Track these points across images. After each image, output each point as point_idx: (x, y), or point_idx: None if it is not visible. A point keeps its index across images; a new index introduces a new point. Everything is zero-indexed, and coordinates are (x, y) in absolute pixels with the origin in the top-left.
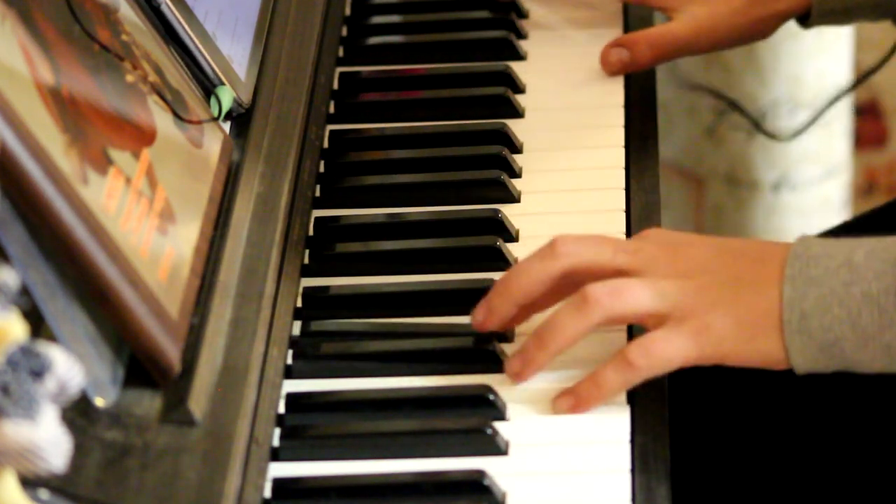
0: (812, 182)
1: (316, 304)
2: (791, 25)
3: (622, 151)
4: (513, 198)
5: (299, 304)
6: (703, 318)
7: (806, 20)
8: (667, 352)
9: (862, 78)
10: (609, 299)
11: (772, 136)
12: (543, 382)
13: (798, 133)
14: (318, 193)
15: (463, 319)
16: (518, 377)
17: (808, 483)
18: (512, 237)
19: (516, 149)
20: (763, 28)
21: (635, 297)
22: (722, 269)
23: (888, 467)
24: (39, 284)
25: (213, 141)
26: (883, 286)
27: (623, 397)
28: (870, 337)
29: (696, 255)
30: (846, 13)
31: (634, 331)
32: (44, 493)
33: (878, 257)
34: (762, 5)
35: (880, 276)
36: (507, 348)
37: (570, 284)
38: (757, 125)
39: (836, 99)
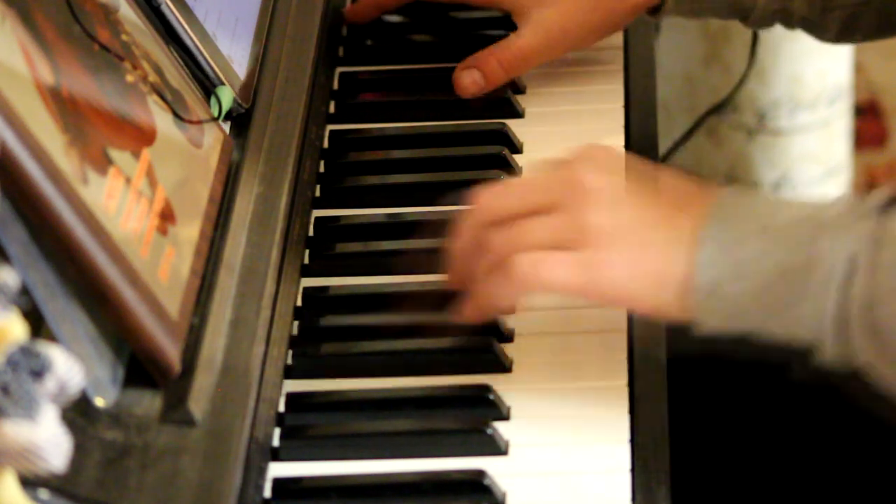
0: (812, 182)
1: (316, 304)
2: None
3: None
4: None
5: (299, 304)
6: (600, 256)
7: (657, 11)
8: (551, 275)
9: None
10: (505, 245)
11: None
12: (545, 383)
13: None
14: (318, 193)
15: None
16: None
17: (807, 483)
18: None
19: (516, 149)
20: (615, 23)
21: (532, 234)
22: (635, 209)
23: (887, 473)
24: (39, 284)
25: (213, 141)
26: (799, 264)
27: (624, 399)
28: (780, 309)
29: (609, 198)
30: (697, 8)
31: (635, 329)
32: (44, 493)
33: (797, 232)
34: (611, 1)
35: (797, 250)
36: (508, 348)
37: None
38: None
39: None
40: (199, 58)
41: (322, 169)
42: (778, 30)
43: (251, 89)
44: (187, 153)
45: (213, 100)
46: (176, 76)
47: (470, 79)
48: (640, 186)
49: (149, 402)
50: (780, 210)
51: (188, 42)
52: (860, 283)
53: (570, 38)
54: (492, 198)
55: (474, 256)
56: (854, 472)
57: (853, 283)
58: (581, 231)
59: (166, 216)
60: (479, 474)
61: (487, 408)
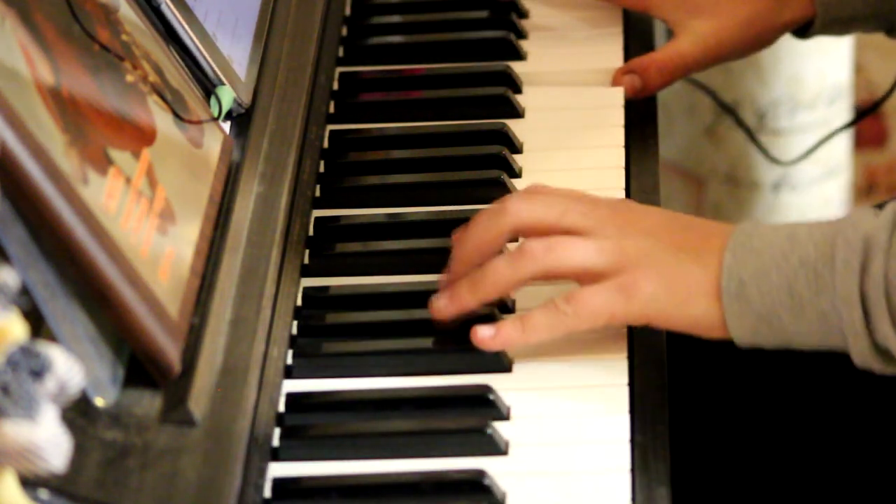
0: (812, 182)
1: (316, 304)
2: None
3: (622, 151)
4: None
5: (299, 303)
6: (635, 277)
7: (805, 31)
8: (593, 305)
9: (864, 112)
10: (543, 253)
11: (766, 152)
12: (544, 383)
13: (800, 158)
14: (318, 193)
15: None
16: (439, 312)
17: (808, 483)
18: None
19: (516, 149)
20: (767, 40)
21: (570, 252)
22: (666, 236)
23: (890, 471)
24: (39, 284)
25: (213, 141)
26: (820, 254)
27: (624, 398)
28: (806, 303)
29: (645, 220)
30: (846, 24)
31: (635, 329)
32: (44, 493)
33: (820, 231)
34: (767, 18)
35: (819, 245)
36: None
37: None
38: (752, 136)
39: (835, 133)
40: (199, 58)
41: (322, 169)
42: None
43: (251, 89)
44: (187, 153)
45: (213, 100)
46: (176, 76)
47: (630, 83)
48: (670, 219)
49: (149, 402)
50: (803, 223)
51: (188, 42)
52: (878, 262)
53: (724, 51)
54: (532, 204)
55: (487, 252)
56: (854, 474)
57: (871, 261)
58: (619, 255)
59: (166, 216)
60: (479, 474)
61: (487, 408)
